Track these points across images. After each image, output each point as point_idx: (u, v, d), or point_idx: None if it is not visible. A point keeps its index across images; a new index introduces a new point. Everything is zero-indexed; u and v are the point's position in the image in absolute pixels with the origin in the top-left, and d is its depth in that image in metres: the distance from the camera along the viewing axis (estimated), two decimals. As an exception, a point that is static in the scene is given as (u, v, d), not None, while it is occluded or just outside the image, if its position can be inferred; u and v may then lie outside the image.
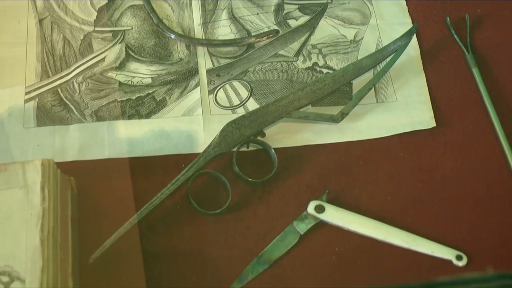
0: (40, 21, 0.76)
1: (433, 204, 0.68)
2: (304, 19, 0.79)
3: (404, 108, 0.73)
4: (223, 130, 0.67)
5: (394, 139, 0.72)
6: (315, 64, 0.76)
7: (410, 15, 0.80)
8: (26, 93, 0.71)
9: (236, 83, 0.74)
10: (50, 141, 0.69)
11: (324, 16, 0.79)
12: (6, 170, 0.61)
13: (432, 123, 0.72)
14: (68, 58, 0.74)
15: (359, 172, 0.70)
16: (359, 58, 0.76)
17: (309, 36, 0.77)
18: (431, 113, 0.73)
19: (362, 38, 0.78)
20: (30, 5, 0.77)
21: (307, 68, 0.75)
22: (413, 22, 0.79)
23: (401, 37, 0.74)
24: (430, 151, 0.71)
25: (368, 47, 0.77)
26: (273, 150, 0.69)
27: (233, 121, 0.68)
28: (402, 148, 0.71)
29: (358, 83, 0.74)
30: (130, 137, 0.70)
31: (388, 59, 0.74)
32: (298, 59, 0.76)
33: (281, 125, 0.71)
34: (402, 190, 0.69)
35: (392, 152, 0.71)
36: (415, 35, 0.76)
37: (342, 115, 0.71)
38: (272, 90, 0.74)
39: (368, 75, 0.74)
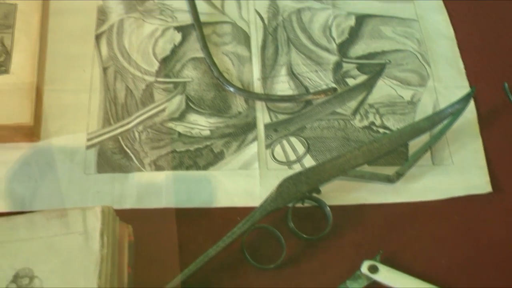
0: (104, 69, 0.78)
1: (487, 270, 0.68)
2: (362, 78, 0.79)
3: (460, 171, 0.73)
4: (280, 186, 0.68)
5: (449, 202, 0.72)
6: (372, 123, 0.76)
7: (467, 78, 0.80)
8: (88, 140, 0.73)
9: (293, 139, 0.75)
10: (109, 188, 0.70)
11: (382, 76, 0.80)
12: (67, 215, 0.62)
13: (488, 188, 0.72)
14: (130, 107, 0.76)
15: (413, 233, 0.70)
16: (416, 120, 0.76)
17: (367, 95, 0.78)
18: (487, 178, 0.73)
19: (419, 100, 0.78)
20: (95, 54, 0.79)
21: (364, 127, 0.76)
22: (470, 86, 0.79)
23: (459, 100, 0.75)
24: (486, 216, 0.71)
25: (425, 108, 0.77)
26: (328, 208, 0.69)
27: (290, 177, 0.69)
28: (457, 212, 0.71)
29: (414, 144, 0.74)
30: (187, 188, 0.70)
31: (445, 121, 0.74)
32: (355, 117, 0.76)
33: (336, 182, 0.71)
34: (456, 254, 0.68)
35: (447, 215, 0.71)
36: (472, 98, 0.76)
37: (398, 176, 0.72)
38: (329, 147, 0.74)
39: (425, 137, 0.74)
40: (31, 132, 0.71)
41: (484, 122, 0.77)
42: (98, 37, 0.80)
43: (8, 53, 0.74)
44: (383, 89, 0.79)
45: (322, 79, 0.79)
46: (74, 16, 0.82)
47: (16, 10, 0.78)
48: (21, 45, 0.75)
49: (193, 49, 0.81)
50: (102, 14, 0.82)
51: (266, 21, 0.83)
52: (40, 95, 0.74)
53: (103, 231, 0.61)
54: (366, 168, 0.72)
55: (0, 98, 0.71)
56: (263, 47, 0.81)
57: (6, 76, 0.73)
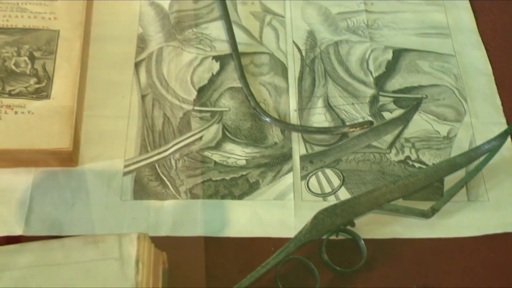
0: (143, 97, 0.79)
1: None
2: (398, 112, 0.80)
3: (496, 208, 0.73)
4: (315, 217, 0.68)
5: (484, 239, 0.71)
6: (408, 157, 0.76)
7: (504, 115, 0.80)
8: (125, 166, 0.74)
9: (328, 171, 0.75)
10: (145, 215, 0.70)
11: (419, 111, 0.80)
12: (103, 241, 0.63)
13: (524, 226, 0.72)
14: (167, 135, 0.76)
15: (447, 269, 0.69)
16: (452, 155, 0.76)
17: (403, 129, 0.78)
18: (523, 216, 0.72)
19: (455, 135, 0.78)
20: (134, 81, 0.80)
21: (400, 161, 0.76)
22: (508, 123, 0.79)
23: (496, 137, 0.75)
24: (522, 255, 0.70)
25: (461, 144, 0.77)
26: (362, 241, 0.69)
27: (325, 209, 0.69)
28: (493, 249, 0.71)
29: (450, 180, 0.74)
30: (222, 217, 0.71)
31: (482, 158, 0.74)
32: (391, 151, 0.76)
33: (371, 215, 0.71)
34: (491, 292, 0.68)
35: (482, 252, 0.71)
36: (509, 136, 0.76)
37: (433, 211, 0.71)
38: (364, 180, 0.74)
39: (460, 173, 0.74)
40: (69, 157, 0.72)
41: (521, 159, 0.77)
42: (137, 65, 0.81)
43: (49, 79, 0.75)
44: (419, 123, 0.79)
45: (358, 112, 0.79)
46: (114, 44, 0.83)
47: (59, 37, 0.79)
48: (62, 71, 0.76)
49: (231, 78, 0.81)
50: (142, 42, 0.83)
51: (303, 53, 0.84)
52: (79, 121, 0.75)
53: (139, 257, 0.61)
54: (401, 202, 0.72)
55: (41, 123, 0.72)
56: (300, 79, 0.82)
57: (47, 101, 0.74)
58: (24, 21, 0.80)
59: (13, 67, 0.76)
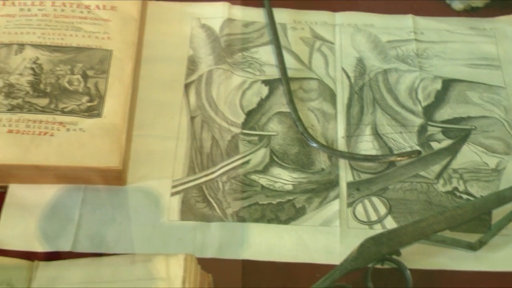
0: (192, 118, 0.80)
1: None
2: (446, 142, 0.79)
3: (545, 243, 0.72)
4: (361, 245, 0.68)
5: (533, 274, 0.71)
6: (455, 188, 0.76)
7: (554, 149, 0.79)
8: (173, 187, 0.74)
9: (375, 199, 0.75)
10: (191, 236, 0.71)
11: (467, 142, 0.79)
12: (151, 260, 0.63)
13: None
14: (215, 157, 0.77)
15: (494, 304, 0.69)
16: (500, 188, 0.75)
17: (451, 160, 0.78)
18: None
19: (504, 168, 0.77)
20: (184, 102, 0.81)
21: (447, 192, 0.75)
22: (558, 157, 0.78)
23: (546, 171, 0.74)
24: None
25: (510, 177, 0.77)
26: (408, 271, 0.69)
27: (372, 238, 0.68)
28: (541, 284, 0.70)
29: (498, 213, 0.73)
30: (268, 241, 0.71)
31: (531, 192, 0.73)
32: (438, 182, 0.76)
33: (417, 245, 0.71)
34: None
35: (530, 287, 0.70)
36: (559, 170, 0.75)
37: (480, 244, 0.71)
38: (411, 210, 0.74)
39: (509, 206, 0.73)
40: (119, 176, 0.72)
41: None
42: (187, 86, 0.82)
43: (101, 97, 0.76)
44: (468, 155, 0.78)
45: (406, 141, 0.79)
46: (165, 65, 0.84)
47: (111, 56, 0.80)
48: (114, 90, 0.77)
49: (279, 103, 0.82)
50: (192, 64, 0.84)
51: (352, 80, 0.84)
52: (129, 140, 0.76)
53: (185, 278, 0.62)
54: (448, 233, 0.72)
55: (91, 141, 0.73)
56: (349, 106, 0.82)
57: (98, 119, 0.75)
58: (79, 40, 0.81)
59: (67, 85, 0.77)
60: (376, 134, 0.80)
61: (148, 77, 0.83)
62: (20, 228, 0.70)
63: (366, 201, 0.75)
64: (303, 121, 0.80)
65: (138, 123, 0.79)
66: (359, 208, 0.74)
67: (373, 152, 0.78)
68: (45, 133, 0.73)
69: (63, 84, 0.77)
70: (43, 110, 0.75)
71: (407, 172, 0.77)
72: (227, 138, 0.78)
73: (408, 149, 0.78)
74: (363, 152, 0.78)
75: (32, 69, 0.78)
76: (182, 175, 0.75)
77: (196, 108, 0.80)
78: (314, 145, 0.78)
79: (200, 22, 0.88)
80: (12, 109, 0.74)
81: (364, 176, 0.76)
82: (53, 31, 0.82)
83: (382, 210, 0.74)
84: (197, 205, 0.73)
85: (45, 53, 0.80)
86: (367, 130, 0.80)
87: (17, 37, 0.81)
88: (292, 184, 0.75)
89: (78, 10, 0.85)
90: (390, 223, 0.73)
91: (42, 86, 0.77)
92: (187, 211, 0.73)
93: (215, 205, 0.73)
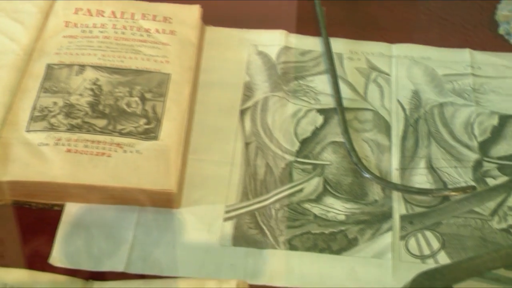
0: (246, 144, 0.80)
1: None
2: (502, 179, 0.79)
3: None
4: (414, 280, 0.67)
5: None
6: (511, 226, 0.75)
7: None
8: (226, 212, 0.75)
9: (428, 233, 0.74)
10: (243, 262, 0.71)
11: (524, 179, 0.78)
12: (203, 285, 0.64)
13: None
14: (269, 184, 0.77)
15: None
16: (557, 227, 0.74)
17: (507, 197, 0.77)
18: None
19: (561, 207, 0.77)
20: (239, 128, 0.81)
21: (502, 230, 0.75)
22: None
23: None
24: None
25: None
26: (461, 308, 0.68)
27: (425, 272, 0.68)
28: None
29: (553, 253, 0.72)
30: (319, 271, 0.71)
31: None
32: (493, 218, 0.75)
33: (470, 282, 0.70)
34: None
35: None
36: None
37: (536, 284, 0.70)
38: (464, 246, 0.73)
39: None
40: (173, 199, 0.73)
41: None
42: (242, 112, 0.83)
43: (158, 120, 0.77)
44: (524, 192, 0.78)
45: (461, 176, 0.79)
46: (221, 90, 0.85)
47: (170, 80, 0.81)
48: (171, 114, 0.78)
49: (334, 132, 0.82)
50: (248, 90, 0.85)
51: (407, 112, 0.84)
52: (184, 164, 0.77)
53: (237, 305, 0.62)
54: (503, 272, 0.71)
55: (148, 163, 0.74)
56: (404, 138, 0.82)
57: (155, 142, 0.76)
58: (138, 62, 0.83)
59: (125, 107, 0.78)
60: (431, 167, 0.79)
61: (204, 102, 0.84)
62: (75, 246, 0.71)
63: (419, 235, 0.74)
64: (357, 151, 0.80)
65: (193, 147, 0.79)
66: (412, 242, 0.74)
67: (427, 185, 0.78)
68: (103, 154, 0.74)
69: (122, 106, 0.78)
70: (102, 131, 0.76)
71: (461, 208, 0.76)
72: (281, 166, 0.78)
73: (463, 184, 0.78)
74: (417, 185, 0.78)
75: (92, 90, 0.79)
76: (235, 201, 0.75)
77: (251, 135, 0.81)
78: (368, 176, 0.78)
79: (257, 49, 0.89)
80: (71, 128, 0.76)
81: (418, 210, 0.76)
82: (113, 53, 0.83)
83: (435, 244, 0.74)
84: (249, 231, 0.73)
85: (104, 74, 0.81)
86: (422, 163, 0.79)
87: (78, 58, 0.83)
88: (345, 215, 0.75)
89: (138, 33, 0.86)
90: (443, 259, 0.72)
91: (101, 107, 0.78)
92: (240, 237, 0.73)
93: (267, 232, 0.73)
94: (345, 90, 0.86)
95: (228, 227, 0.74)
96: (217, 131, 0.81)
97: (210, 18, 0.91)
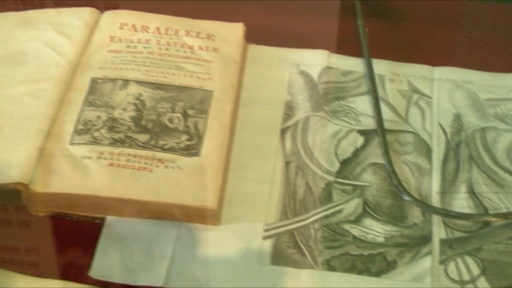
0: (287, 163, 0.80)
1: None
2: (544, 208, 0.78)
3: None
4: (454, 305, 0.67)
5: None
6: (553, 255, 0.74)
7: None
8: (265, 230, 0.75)
9: (468, 258, 0.74)
10: (281, 281, 0.71)
11: None
12: (243, 303, 0.64)
13: None
14: (308, 204, 0.77)
15: None
16: None
17: (549, 224, 0.76)
18: None
19: None
20: (279, 147, 0.81)
21: (544, 257, 0.74)
22: None
23: None
24: None
25: None
26: (500, 335, 0.67)
27: (465, 298, 0.67)
28: None
29: None
30: (358, 293, 0.71)
31: None
32: (535, 245, 0.75)
33: (510, 310, 0.69)
34: None
35: None
36: None
37: None
38: (506, 273, 0.73)
39: None
40: (213, 215, 0.73)
41: None
42: (283, 131, 0.83)
43: (200, 137, 0.78)
44: None
45: (502, 202, 0.78)
46: (262, 108, 0.85)
47: (212, 97, 0.82)
48: (213, 131, 0.79)
49: (374, 154, 0.82)
50: (289, 109, 0.85)
51: (449, 136, 0.84)
52: (224, 181, 0.77)
53: (276, 324, 0.62)
54: (544, 300, 0.70)
55: (188, 179, 0.74)
56: (444, 161, 0.81)
57: (196, 158, 0.76)
58: (181, 79, 0.83)
59: (167, 123, 0.79)
60: (472, 192, 0.79)
61: (245, 119, 0.84)
62: (114, 260, 0.71)
63: (459, 260, 0.74)
64: (397, 174, 0.79)
65: (234, 164, 0.80)
66: (452, 267, 0.73)
67: (468, 210, 0.77)
68: (144, 169, 0.75)
69: (164, 121, 0.79)
70: (144, 146, 0.76)
71: (502, 234, 0.76)
72: (321, 186, 0.78)
73: (504, 210, 0.77)
74: (457, 210, 0.77)
75: (135, 104, 0.80)
76: (274, 220, 0.75)
77: (291, 154, 0.81)
78: (408, 199, 0.77)
79: (299, 68, 0.90)
80: (114, 142, 0.76)
81: (458, 234, 0.75)
82: (157, 69, 0.84)
83: (475, 270, 0.73)
84: (288, 250, 0.73)
85: (148, 90, 0.82)
86: (462, 188, 0.79)
87: (122, 72, 0.84)
88: (384, 237, 0.75)
89: (181, 50, 0.87)
90: (483, 285, 0.72)
91: (143, 122, 0.79)
92: (278, 256, 0.73)
93: (306, 252, 0.73)
94: (386, 112, 0.85)
95: (267, 246, 0.74)
96: (258, 149, 0.81)
97: (253, 36, 0.92)
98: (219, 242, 0.74)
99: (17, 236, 0.74)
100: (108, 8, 0.94)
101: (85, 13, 0.91)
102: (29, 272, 0.70)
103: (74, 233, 0.74)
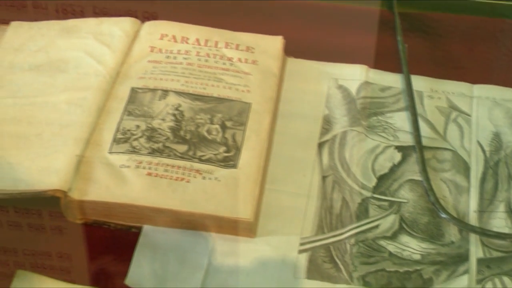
0: (324, 178, 0.80)
1: None
2: None
3: None
4: (491, 326, 0.66)
5: None
6: None
7: None
8: (301, 244, 0.75)
9: (506, 279, 0.73)
10: (318, 296, 0.71)
11: None
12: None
13: None
14: (344, 219, 0.77)
15: None
16: None
17: None
18: None
19: None
20: (317, 161, 0.81)
21: None
22: None
23: None
24: None
25: None
26: None
27: (502, 319, 0.67)
28: None
29: None
30: (394, 310, 0.70)
31: None
32: None
33: (548, 333, 0.69)
34: None
35: None
36: None
37: None
38: (544, 294, 0.72)
39: None
40: (249, 228, 0.73)
41: None
42: (320, 145, 0.83)
43: (238, 149, 0.78)
44: None
45: (541, 223, 0.77)
46: (300, 122, 0.85)
47: (250, 109, 0.82)
48: (250, 143, 0.79)
49: (412, 170, 0.81)
50: (327, 124, 0.85)
51: (487, 154, 0.83)
52: (261, 193, 0.77)
53: None
54: None
55: (225, 191, 0.74)
56: (483, 180, 0.81)
57: (233, 170, 0.76)
58: (220, 90, 0.84)
59: (205, 134, 0.79)
60: (510, 211, 0.78)
61: (282, 132, 0.84)
62: (150, 269, 0.72)
63: (497, 280, 0.73)
64: (435, 191, 0.79)
65: (270, 177, 0.80)
66: (489, 286, 0.72)
67: (506, 230, 0.77)
68: (182, 179, 0.75)
69: (202, 132, 0.79)
70: (182, 157, 0.77)
71: (541, 254, 0.75)
72: (357, 201, 0.78)
73: (543, 231, 0.76)
74: (495, 229, 0.77)
75: (174, 115, 0.81)
76: (310, 234, 0.75)
77: (328, 168, 0.81)
78: (445, 216, 0.77)
79: (337, 83, 0.90)
80: (152, 152, 0.77)
81: (496, 254, 0.75)
82: (196, 80, 0.85)
83: (514, 291, 0.72)
84: (324, 265, 0.73)
85: (187, 100, 0.82)
86: (501, 207, 0.78)
87: (161, 83, 0.84)
88: (420, 254, 0.74)
89: (221, 61, 0.87)
90: (521, 306, 0.71)
91: (182, 132, 0.79)
92: (314, 270, 0.73)
93: (341, 267, 0.73)
94: (424, 129, 0.85)
95: (303, 260, 0.74)
96: (295, 163, 0.81)
97: (291, 50, 0.92)
98: (254, 255, 0.74)
99: (51, 242, 0.75)
100: (147, 18, 0.95)
101: (126, 23, 0.92)
102: (61, 278, 0.71)
103: (112, 241, 0.75)
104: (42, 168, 0.75)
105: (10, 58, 0.88)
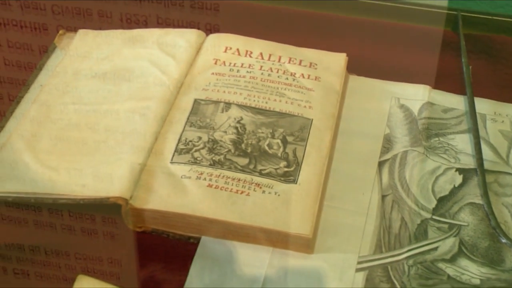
0: (383, 197, 0.80)
1: None
2: None
3: None
4: None
5: None
6: None
7: None
8: (359, 263, 0.74)
9: None
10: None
11: None
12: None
13: None
14: (403, 239, 0.76)
15: None
16: None
17: None
18: None
19: None
20: (376, 180, 0.81)
21: None
22: None
23: None
24: None
25: None
26: None
27: None
28: None
29: None
30: (451, 334, 0.69)
31: None
32: None
33: None
34: None
35: None
36: None
37: None
38: None
39: None
40: (307, 244, 0.73)
41: None
42: (380, 164, 0.83)
43: (298, 164, 0.78)
44: None
45: None
46: (360, 140, 0.85)
47: (311, 125, 0.82)
48: (311, 159, 0.79)
49: (472, 194, 0.81)
50: (388, 143, 0.85)
51: (551, 181, 0.82)
52: (320, 210, 0.77)
53: None
54: None
55: (285, 206, 0.74)
56: (545, 207, 0.79)
57: (293, 185, 0.76)
58: (281, 105, 0.84)
59: (266, 148, 0.79)
60: None
61: (342, 150, 0.84)
62: (207, 279, 0.72)
63: (554, 311, 0.71)
64: (496, 216, 0.78)
65: (329, 194, 0.80)
66: (547, 317, 0.71)
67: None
68: (242, 192, 0.75)
69: (263, 146, 0.80)
70: (242, 170, 0.77)
71: None
72: (417, 222, 0.78)
73: None
74: (551, 258, 0.75)
75: (236, 128, 0.81)
76: (368, 252, 0.75)
77: (388, 187, 0.81)
78: (506, 242, 0.76)
79: (399, 102, 0.89)
80: (213, 164, 0.77)
81: (554, 284, 0.73)
82: (259, 93, 0.85)
83: None
84: (381, 284, 0.73)
85: (249, 114, 0.83)
86: (552, 234, 0.77)
87: (224, 95, 0.85)
88: (480, 279, 0.73)
89: (284, 76, 0.88)
90: None
91: (243, 146, 0.79)
92: (371, 290, 0.72)
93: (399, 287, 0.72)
94: (486, 152, 0.84)
95: (360, 278, 0.73)
96: (354, 181, 0.81)
97: (354, 67, 0.92)
98: (311, 271, 0.74)
99: (109, 249, 0.76)
100: (210, 30, 0.96)
101: (191, 35, 0.93)
102: (118, 284, 0.71)
103: (170, 251, 0.76)
104: (105, 175, 0.76)
105: (76, 65, 0.90)
